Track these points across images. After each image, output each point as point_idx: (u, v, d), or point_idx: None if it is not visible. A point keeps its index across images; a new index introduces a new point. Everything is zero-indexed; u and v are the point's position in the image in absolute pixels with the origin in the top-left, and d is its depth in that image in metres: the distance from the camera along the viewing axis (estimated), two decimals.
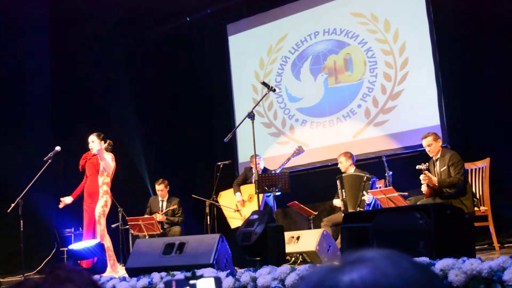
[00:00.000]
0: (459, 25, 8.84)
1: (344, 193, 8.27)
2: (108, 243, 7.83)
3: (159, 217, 9.54)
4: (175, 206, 9.69)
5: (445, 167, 7.10)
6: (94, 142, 7.96)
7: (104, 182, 7.91)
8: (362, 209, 8.00)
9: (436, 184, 6.98)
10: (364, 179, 8.14)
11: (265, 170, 9.40)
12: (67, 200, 8.16)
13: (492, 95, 8.36)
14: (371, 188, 8.07)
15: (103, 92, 11.65)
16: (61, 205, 8.24)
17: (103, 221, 7.82)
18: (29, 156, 9.82)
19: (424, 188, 7.09)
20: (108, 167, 7.89)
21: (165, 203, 9.82)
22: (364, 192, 8.06)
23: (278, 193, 8.23)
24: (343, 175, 8.42)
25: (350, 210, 8.07)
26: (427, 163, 7.04)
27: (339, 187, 8.37)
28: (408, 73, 9.43)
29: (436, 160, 7.30)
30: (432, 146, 7.29)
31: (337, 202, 8.50)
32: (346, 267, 0.95)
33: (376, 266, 0.93)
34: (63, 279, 1.14)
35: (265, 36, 11.17)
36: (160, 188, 9.81)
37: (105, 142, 8.06)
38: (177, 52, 12.10)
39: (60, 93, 11.07)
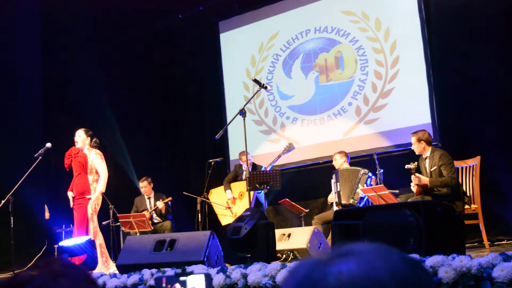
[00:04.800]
0: (450, 23, 8.86)
1: (338, 186, 8.29)
2: (100, 240, 7.85)
3: (160, 204, 9.54)
4: (170, 198, 9.71)
5: (435, 167, 7.12)
6: (81, 137, 8.01)
7: (94, 179, 7.92)
8: (356, 201, 8.04)
9: (428, 184, 7.00)
10: (361, 173, 8.18)
11: (254, 166, 9.42)
12: (70, 194, 8.09)
13: (483, 93, 8.39)
14: (366, 183, 8.10)
15: (94, 89, 11.62)
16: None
17: (95, 218, 7.84)
18: (20, 153, 9.79)
19: (414, 187, 7.11)
20: (102, 171, 7.94)
21: (152, 200, 9.84)
22: (360, 185, 8.09)
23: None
24: (340, 169, 8.47)
25: (343, 201, 8.11)
26: (416, 162, 7.05)
27: (334, 181, 8.38)
28: (399, 71, 9.45)
29: (426, 158, 7.33)
30: (414, 146, 7.37)
31: (331, 198, 8.52)
32: (334, 259, 0.95)
33: (364, 259, 0.94)
34: (57, 273, 1.13)
35: (256, 34, 11.17)
36: (144, 185, 9.83)
37: (91, 139, 8.08)
38: (169, 49, 12.08)
39: (51, 90, 11.03)
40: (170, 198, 9.72)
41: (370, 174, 8.21)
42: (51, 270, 1.13)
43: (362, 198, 8.05)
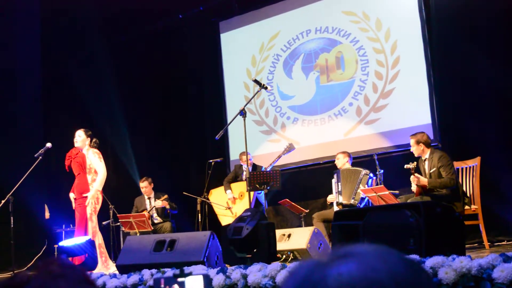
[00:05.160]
0: (451, 24, 8.86)
1: (339, 186, 8.30)
2: (99, 240, 7.84)
3: (158, 203, 9.55)
4: (166, 196, 9.71)
5: (434, 168, 7.11)
6: (81, 137, 8.01)
7: (93, 179, 7.92)
8: (357, 201, 8.04)
9: (427, 185, 7.00)
10: (363, 173, 8.19)
11: (254, 166, 9.42)
12: (72, 196, 8.09)
13: (483, 93, 8.39)
14: (367, 184, 8.11)
15: (94, 89, 11.62)
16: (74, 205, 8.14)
17: (94, 218, 7.83)
18: (20, 153, 9.79)
19: (414, 187, 7.12)
20: (100, 170, 7.93)
21: (152, 200, 9.84)
22: (361, 186, 8.09)
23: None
24: (341, 169, 8.47)
25: (344, 201, 8.13)
26: (415, 162, 7.06)
27: (335, 180, 8.39)
28: (400, 71, 9.45)
29: (425, 159, 7.32)
30: (413, 149, 7.36)
31: (330, 198, 8.53)
32: (334, 261, 0.95)
33: (364, 261, 0.93)
34: (55, 275, 1.12)
35: (257, 34, 11.17)
36: (144, 185, 9.84)
37: (91, 140, 8.09)
38: (169, 49, 12.08)
39: (50, 90, 11.04)
40: (165, 196, 9.71)
41: (371, 174, 8.22)
42: (49, 271, 1.13)
43: (363, 199, 8.06)
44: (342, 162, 8.63)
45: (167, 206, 9.65)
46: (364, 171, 8.23)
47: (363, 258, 0.94)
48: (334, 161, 8.80)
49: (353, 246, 0.99)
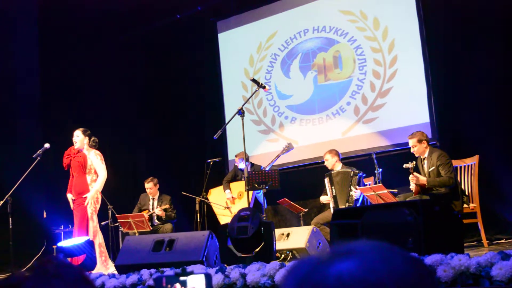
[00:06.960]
0: (449, 22, 8.87)
1: (334, 190, 8.28)
2: (100, 239, 7.83)
3: (157, 211, 9.52)
4: (167, 206, 9.65)
5: (433, 167, 7.10)
6: (79, 137, 7.98)
7: (92, 179, 7.90)
8: (351, 205, 8.02)
9: (426, 184, 7.00)
10: (351, 174, 8.16)
11: (252, 166, 9.42)
12: (70, 196, 8.07)
13: (482, 92, 8.39)
14: (359, 184, 8.09)
15: (92, 89, 11.61)
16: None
17: (95, 218, 7.82)
18: (18, 153, 9.78)
19: (412, 186, 7.11)
20: (101, 172, 7.92)
21: (156, 201, 9.80)
22: (352, 188, 8.07)
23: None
24: (332, 172, 8.43)
25: (341, 207, 8.09)
26: (414, 162, 7.05)
27: (328, 184, 8.37)
28: (397, 70, 9.45)
29: (424, 158, 7.31)
30: (416, 148, 7.29)
31: (324, 199, 8.51)
32: (335, 259, 0.94)
33: (365, 260, 0.93)
34: (51, 275, 1.12)
35: (254, 33, 11.17)
36: (149, 186, 9.79)
37: (90, 139, 8.06)
38: (167, 49, 12.08)
39: (49, 90, 11.03)
40: (166, 206, 9.64)
41: (360, 173, 8.20)
42: (45, 271, 1.12)
43: (357, 200, 8.03)
44: (332, 163, 8.54)
45: (163, 216, 9.59)
46: (352, 172, 8.19)
47: (364, 256, 0.93)
48: None
49: (355, 243, 0.97)
